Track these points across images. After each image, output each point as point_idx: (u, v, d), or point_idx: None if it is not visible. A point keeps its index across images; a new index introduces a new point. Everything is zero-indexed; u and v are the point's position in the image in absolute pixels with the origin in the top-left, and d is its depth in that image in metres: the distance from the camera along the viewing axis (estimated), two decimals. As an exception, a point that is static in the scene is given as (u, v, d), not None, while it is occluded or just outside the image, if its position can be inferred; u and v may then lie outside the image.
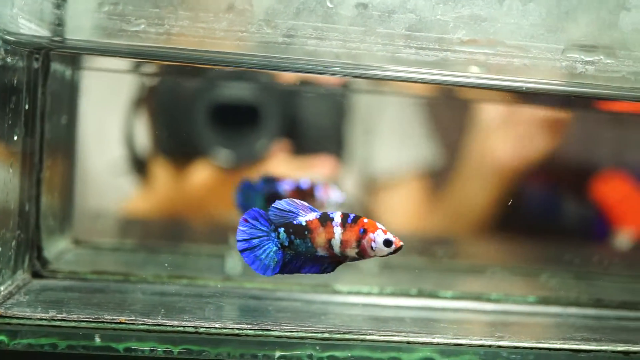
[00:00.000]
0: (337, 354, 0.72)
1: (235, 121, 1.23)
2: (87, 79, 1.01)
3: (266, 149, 1.28)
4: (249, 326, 0.73)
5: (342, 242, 0.72)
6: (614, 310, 0.95)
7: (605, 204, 1.41)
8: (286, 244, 0.73)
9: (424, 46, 0.74)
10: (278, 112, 1.25)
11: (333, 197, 0.96)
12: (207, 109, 1.22)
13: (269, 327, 0.73)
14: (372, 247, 0.71)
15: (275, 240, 0.73)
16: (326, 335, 0.73)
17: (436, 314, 0.91)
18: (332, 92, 1.23)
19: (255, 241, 0.73)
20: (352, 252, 0.72)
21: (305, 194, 0.96)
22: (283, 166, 1.29)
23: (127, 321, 0.71)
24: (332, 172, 1.32)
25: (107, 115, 1.30)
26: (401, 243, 0.72)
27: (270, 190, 0.96)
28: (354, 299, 0.93)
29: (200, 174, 1.29)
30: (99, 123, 1.25)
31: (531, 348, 0.74)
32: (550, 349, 0.74)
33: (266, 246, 0.73)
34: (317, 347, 0.73)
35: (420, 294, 0.95)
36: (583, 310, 0.95)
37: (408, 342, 0.74)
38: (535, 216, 1.46)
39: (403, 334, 0.74)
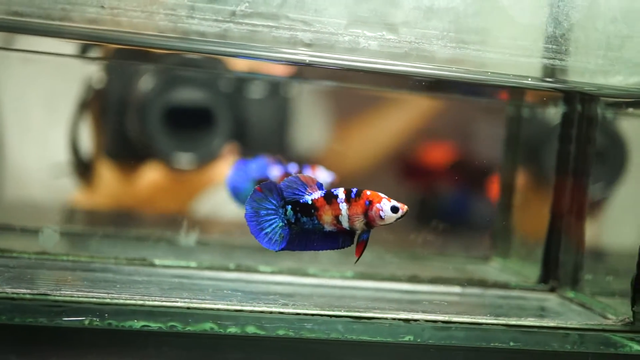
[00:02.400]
0: (114, 321, 0.73)
1: (187, 122, 1.21)
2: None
3: (219, 149, 1.26)
4: (28, 291, 0.73)
5: (349, 217, 0.74)
6: (424, 285, 0.99)
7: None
8: (293, 220, 0.75)
9: (206, 17, 0.75)
10: (231, 112, 1.24)
11: (322, 177, 0.96)
12: (158, 110, 1.20)
13: (47, 292, 0.74)
14: (380, 217, 0.74)
15: (282, 216, 0.75)
16: (107, 300, 0.74)
17: (250, 286, 0.93)
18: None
19: (263, 212, 0.74)
20: (360, 224, 0.75)
21: None
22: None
23: None
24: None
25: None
26: (406, 207, 0.75)
27: (261, 174, 0.97)
28: (171, 272, 0.94)
29: (150, 175, 1.27)
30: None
31: (296, 314, 0.77)
32: (313, 315, 0.77)
33: (273, 221, 0.74)
34: (97, 313, 0.73)
35: (239, 269, 0.97)
36: (393, 285, 0.98)
37: (188, 308, 0.75)
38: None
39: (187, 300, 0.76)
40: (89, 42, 0.95)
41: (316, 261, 1.02)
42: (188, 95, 1.19)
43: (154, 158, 1.22)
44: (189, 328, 0.75)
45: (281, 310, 0.77)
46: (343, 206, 0.75)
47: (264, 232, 0.75)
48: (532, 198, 1.13)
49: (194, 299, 0.77)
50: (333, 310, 0.78)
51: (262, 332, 0.76)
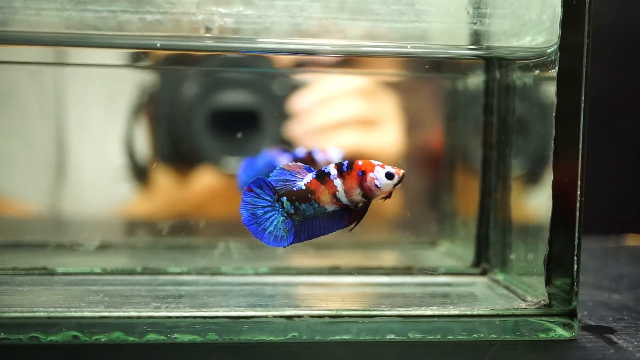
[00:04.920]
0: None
1: (235, 126, 1.20)
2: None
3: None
4: None
5: (345, 191, 0.70)
6: (344, 276, 0.94)
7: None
8: (292, 211, 0.71)
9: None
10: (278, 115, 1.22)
11: (332, 155, 0.95)
12: (207, 116, 1.18)
13: None
14: (376, 185, 0.69)
15: (281, 209, 0.71)
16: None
17: (150, 289, 0.88)
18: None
19: (260, 211, 0.70)
20: (358, 197, 0.70)
21: (305, 161, 0.92)
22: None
23: None
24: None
25: None
26: (402, 171, 0.70)
27: (270, 167, 0.92)
28: (72, 278, 0.90)
29: (203, 181, 1.25)
30: None
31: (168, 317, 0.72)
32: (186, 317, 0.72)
33: (272, 217, 0.71)
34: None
35: (146, 271, 0.92)
36: (311, 278, 0.93)
37: (49, 317, 0.71)
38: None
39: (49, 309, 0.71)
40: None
41: (229, 258, 0.97)
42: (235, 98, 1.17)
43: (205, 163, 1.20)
44: (51, 338, 0.70)
45: (150, 314, 0.72)
46: (337, 182, 0.70)
47: (267, 231, 0.71)
48: (470, 177, 1.05)
49: (58, 307, 0.73)
50: (209, 311, 0.73)
51: (130, 339, 0.71)
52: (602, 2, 1.57)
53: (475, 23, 0.82)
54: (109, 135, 1.21)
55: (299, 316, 0.73)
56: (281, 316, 0.73)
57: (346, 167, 0.70)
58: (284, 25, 0.74)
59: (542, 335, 0.76)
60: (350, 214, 0.71)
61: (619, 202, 1.58)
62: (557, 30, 0.75)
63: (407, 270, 0.96)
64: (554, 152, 0.76)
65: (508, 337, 0.76)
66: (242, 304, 0.77)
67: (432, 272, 0.95)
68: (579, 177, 0.76)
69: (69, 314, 0.71)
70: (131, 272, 0.92)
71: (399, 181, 0.70)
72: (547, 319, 0.76)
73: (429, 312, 0.75)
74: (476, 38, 0.84)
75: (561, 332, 0.76)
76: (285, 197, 0.71)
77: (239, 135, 1.14)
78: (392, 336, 0.74)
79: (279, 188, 0.71)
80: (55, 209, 1.11)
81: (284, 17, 0.75)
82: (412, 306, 0.77)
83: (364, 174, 0.69)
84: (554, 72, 0.76)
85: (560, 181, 0.76)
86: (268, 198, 0.71)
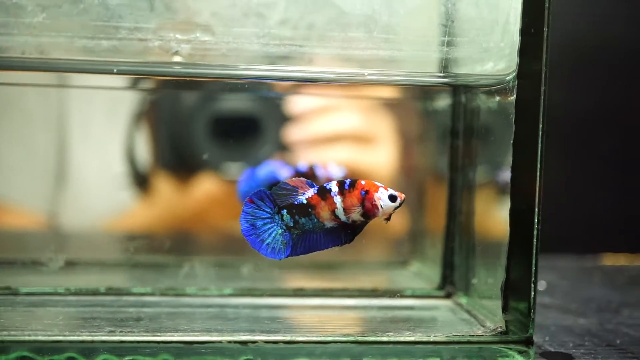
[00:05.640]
0: None
1: (236, 132, 1.20)
2: None
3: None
4: None
5: (344, 209, 0.71)
6: (309, 298, 0.94)
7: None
8: (291, 224, 0.71)
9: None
10: (277, 122, 1.23)
11: (334, 172, 0.95)
12: (207, 122, 1.19)
13: None
14: (380, 206, 0.71)
15: (280, 222, 0.71)
16: None
17: (111, 311, 0.88)
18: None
19: (259, 222, 0.71)
20: (357, 216, 0.71)
21: (306, 176, 0.93)
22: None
23: None
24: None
25: None
26: (403, 195, 0.71)
27: (271, 178, 0.95)
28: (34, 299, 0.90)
29: (204, 187, 1.26)
30: None
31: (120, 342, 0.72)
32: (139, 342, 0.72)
33: (271, 229, 0.71)
34: None
35: (110, 291, 0.92)
36: (274, 301, 0.93)
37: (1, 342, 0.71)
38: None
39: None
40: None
41: (194, 279, 0.97)
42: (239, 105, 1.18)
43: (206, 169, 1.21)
44: (4, 361, 0.70)
45: (103, 339, 0.72)
46: (337, 199, 0.71)
47: (265, 243, 0.71)
48: (438, 198, 1.05)
49: (12, 329, 0.73)
50: (163, 335, 0.73)
51: (83, 361, 0.71)
52: (595, 21, 1.58)
53: (442, 50, 0.83)
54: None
55: (254, 342, 0.73)
56: (235, 341, 0.73)
57: (348, 185, 0.71)
58: (246, 52, 0.75)
59: (498, 363, 0.76)
60: (346, 233, 0.72)
61: (596, 221, 1.59)
62: (515, 58, 0.75)
63: (372, 293, 0.96)
64: (512, 179, 0.76)
65: (466, 364, 0.76)
66: (199, 328, 0.76)
67: (396, 295, 0.95)
68: (536, 205, 0.76)
69: (20, 338, 0.71)
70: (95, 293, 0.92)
71: (399, 205, 0.71)
72: (503, 346, 0.76)
73: (384, 339, 0.75)
74: (441, 65, 0.85)
75: (517, 360, 0.76)
76: (285, 210, 0.71)
77: (232, 141, 1.15)
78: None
79: (279, 201, 0.71)
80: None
81: (246, 43, 0.76)
82: (369, 331, 0.77)
83: (367, 193, 0.71)
84: (513, 99, 0.76)
85: (518, 208, 0.76)
86: (268, 210, 0.71)
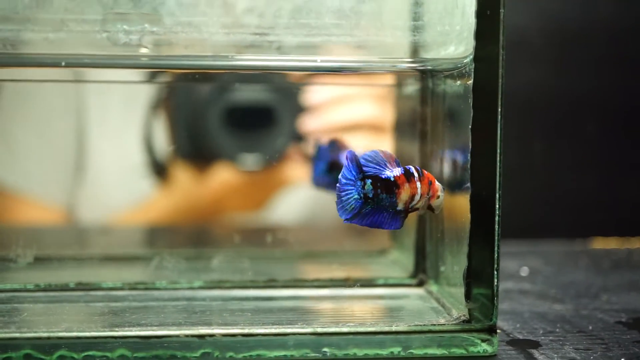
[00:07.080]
0: None
1: (252, 123, 1.20)
2: None
3: (284, 149, 1.28)
4: None
5: (421, 196, 0.72)
6: (280, 289, 0.93)
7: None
8: (370, 195, 0.71)
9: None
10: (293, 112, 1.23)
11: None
12: (223, 113, 1.21)
13: None
14: (438, 197, 0.74)
15: (360, 189, 0.71)
16: None
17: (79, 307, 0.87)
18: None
19: (343, 181, 0.71)
20: (422, 202, 0.73)
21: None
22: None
23: None
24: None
25: None
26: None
27: (333, 158, 0.97)
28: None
29: (221, 176, 1.27)
30: None
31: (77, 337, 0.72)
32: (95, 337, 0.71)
33: (349, 191, 0.71)
34: None
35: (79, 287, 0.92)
36: (246, 292, 0.92)
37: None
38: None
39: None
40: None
41: (163, 272, 0.97)
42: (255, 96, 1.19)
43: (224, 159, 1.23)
44: (-40, 360, 0.70)
45: (60, 335, 0.72)
46: (418, 184, 0.72)
47: (340, 198, 0.71)
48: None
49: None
50: (120, 330, 0.72)
51: (41, 356, 0.71)
52: (582, 2, 1.55)
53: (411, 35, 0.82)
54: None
55: (211, 335, 0.72)
56: (193, 335, 0.72)
57: (420, 174, 0.73)
58: (215, 40, 0.74)
59: (460, 352, 0.75)
60: (403, 217, 0.73)
61: (585, 205, 1.57)
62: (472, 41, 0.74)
63: (344, 282, 0.95)
64: (471, 165, 0.74)
65: (425, 352, 0.75)
66: (165, 322, 0.76)
67: (355, 284, 0.94)
68: (497, 190, 0.74)
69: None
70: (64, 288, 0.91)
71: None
72: (465, 335, 0.75)
73: (344, 330, 0.74)
74: (406, 49, 0.84)
75: (481, 348, 0.75)
76: (370, 180, 0.71)
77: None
78: (308, 352, 0.73)
79: (367, 170, 0.71)
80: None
81: (216, 34, 0.75)
82: (330, 323, 0.76)
83: (432, 183, 0.73)
84: (471, 83, 0.75)
85: (478, 194, 0.75)
86: (352, 175, 0.71)
